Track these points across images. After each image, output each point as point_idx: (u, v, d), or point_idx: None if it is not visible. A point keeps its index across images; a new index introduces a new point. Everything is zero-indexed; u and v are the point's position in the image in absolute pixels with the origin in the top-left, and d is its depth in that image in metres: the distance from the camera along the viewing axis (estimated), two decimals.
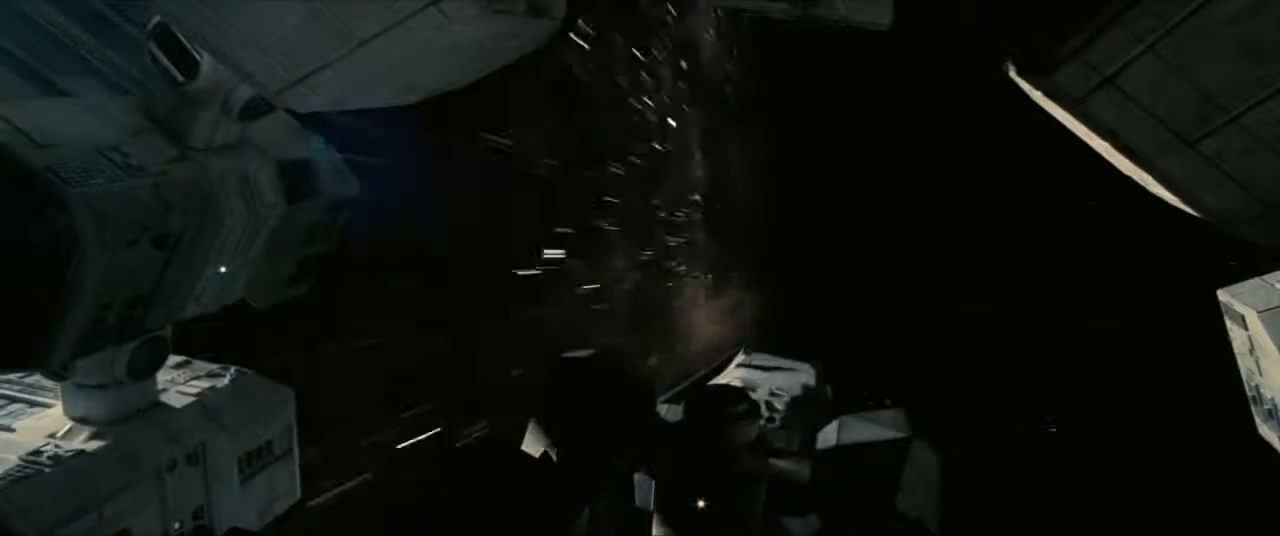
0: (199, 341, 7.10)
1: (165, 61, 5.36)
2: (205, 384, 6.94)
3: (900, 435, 7.30)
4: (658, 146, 22.42)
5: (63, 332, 4.96)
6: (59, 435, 6.02)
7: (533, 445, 6.30)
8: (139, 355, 6.13)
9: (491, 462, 5.68)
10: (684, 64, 21.91)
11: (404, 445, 16.19)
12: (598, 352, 6.93)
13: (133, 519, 5.87)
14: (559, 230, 20.43)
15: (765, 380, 8.10)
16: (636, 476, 6.50)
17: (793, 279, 20.83)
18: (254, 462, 7.01)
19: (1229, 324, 6.19)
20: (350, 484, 15.05)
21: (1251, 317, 5.73)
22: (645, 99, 21.66)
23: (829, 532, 6.59)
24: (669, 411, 7.20)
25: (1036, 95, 3.93)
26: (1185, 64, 3.47)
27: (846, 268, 19.88)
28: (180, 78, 5.38)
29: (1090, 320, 17.98)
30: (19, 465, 5.57)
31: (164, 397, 6.61)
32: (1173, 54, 3.47)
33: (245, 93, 5.52)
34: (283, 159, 6.20)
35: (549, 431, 6.28)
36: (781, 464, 6.79)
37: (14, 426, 6.10)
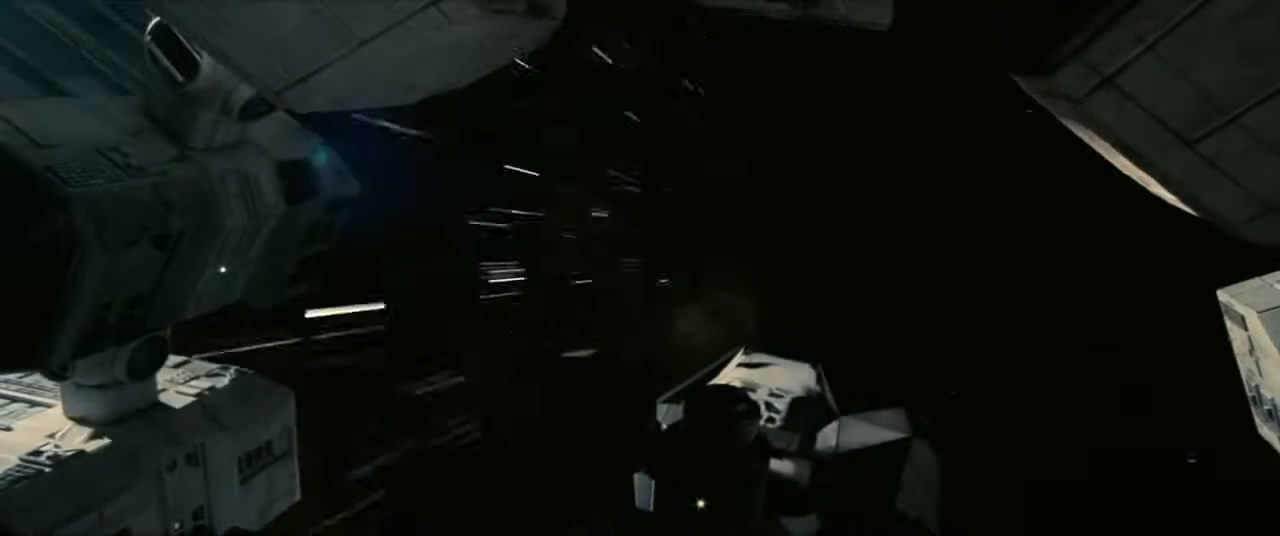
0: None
1: (165, 61, 5.36)
2: (205, 384, 6.93)
3: (900, 435, 7.29)
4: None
5: (63, 332, 4.95)
6: (59, 435, 6.01)
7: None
8: (139, 355, 6.13)
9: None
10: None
11: None
12: (598, 353, 6.93)
13: (133, 519, 5.86)
14: None
15: (765, 380, 8.12)
16: (636, 476, 6.50)
17: (793, 279, 20.82)
18: (254, 463, 7.01)
19: (1229, 324, 6.18)
20: None
21: (1251, 318, 5.72)
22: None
23: (829, 533, 6.58)
24: (669, 411, 7.20)
25: (1036, 95, 3.93)
26: (1185, 64, 3.47)
27: (847, 267, 19.88)
28: (180, 78, 5.38)
29: (1090, 320, 17.98)
30: (19, 465, 5.56)
31: (164, 398, 6.60)
32: (1173, 54, 3.47)
33: (245, 93, 5.52)
34: (282, 159, 6.20)
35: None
36: (781, 464, 6.80)
37: (14, 426, 6.10)
